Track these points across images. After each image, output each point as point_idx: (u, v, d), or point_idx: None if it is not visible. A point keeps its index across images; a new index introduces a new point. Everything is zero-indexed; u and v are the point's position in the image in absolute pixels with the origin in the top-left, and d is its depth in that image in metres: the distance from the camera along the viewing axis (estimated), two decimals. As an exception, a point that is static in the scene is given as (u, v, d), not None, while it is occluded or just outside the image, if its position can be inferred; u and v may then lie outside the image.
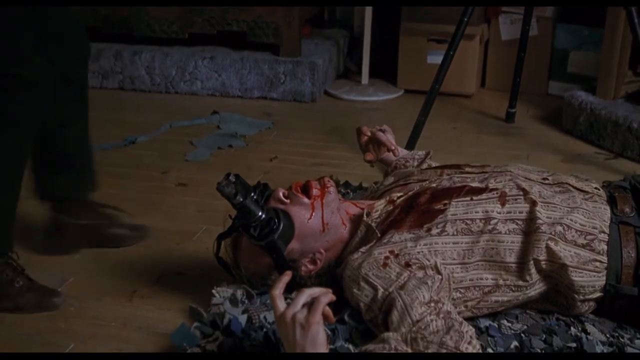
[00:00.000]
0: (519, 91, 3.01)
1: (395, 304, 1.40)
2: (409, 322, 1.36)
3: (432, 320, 1.36)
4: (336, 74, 3.59)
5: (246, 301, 1.62)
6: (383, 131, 1.95)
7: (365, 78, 3.47)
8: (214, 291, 1.65)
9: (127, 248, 2.02)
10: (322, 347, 1.25)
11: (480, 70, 3.45)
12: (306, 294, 1.32)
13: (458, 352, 1.27)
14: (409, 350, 1.27)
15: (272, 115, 3.16)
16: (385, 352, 1.26)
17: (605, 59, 2.87)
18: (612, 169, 2.59)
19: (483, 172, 1.67)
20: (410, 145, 2.48)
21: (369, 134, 1.93)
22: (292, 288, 1.62)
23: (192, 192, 2.40)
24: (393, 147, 1.90)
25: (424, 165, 2.00)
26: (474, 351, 1.29)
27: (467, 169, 1.72)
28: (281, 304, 1.32)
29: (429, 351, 1.26)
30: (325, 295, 1.30)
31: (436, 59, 2.98)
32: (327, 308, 1.34)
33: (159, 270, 1.90)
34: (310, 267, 1.63)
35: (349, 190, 2.21)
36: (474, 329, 1.37)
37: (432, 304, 1.40)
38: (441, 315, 1.37)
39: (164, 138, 2.91)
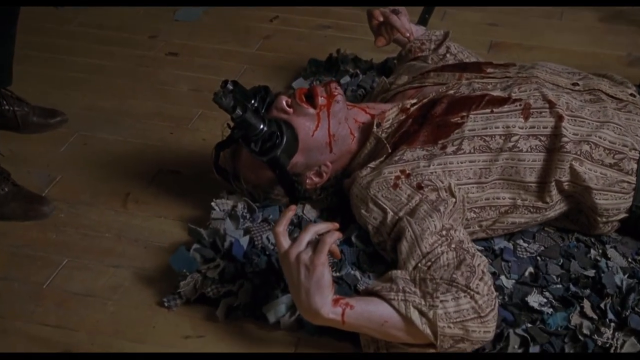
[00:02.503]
0: None
1: (405, 234, 1.47)
2: (419, 254, 1.44)
3: (442, 253, 1.43)
4: None
5: (247, 215, 1.69)
6: (397, 12, 1.93)
7: None
8: (213, 204, 1.72)
9: (117, 139, 2.07)
10: (327, 289, 1.33)
11: None
12: (311, 232, 1.38)
13: (468, 290, 1.35)
14: (417, 291, 1.36)
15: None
16: (392, 293, 1.35)
17: None
18: (658, 31, 2.57)
19: (506, 77, 1.67)
20: (427, 9, 2.44)
21: (381, 18, 1.91)
22: (297, 200, 1.70)
23: (185, 64, 2.40)
24: (408, 34, 1.88)
25: (442, 49, 2.00)
26: (485, 288, 1.37)
27: (489, 70, 1.72)
28: (285, 242, 1.38)
29: (438, 293, 1.35)
30: (331, 235, 1.36)
31: None
32: (334, 245, 1.42)
33: (152, 168, 1.96)
34: (316, 179, 1.68)
35: (357, 71, 2.22)
36: (486, 261, 1.44)
37: (444, 232, 1.46)
38: (452, 246, 1.44)
39: (148, -12, 2.86)
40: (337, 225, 1.42)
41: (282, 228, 1.40)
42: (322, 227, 1.41)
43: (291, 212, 1.43)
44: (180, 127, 2.12)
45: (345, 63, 2.27)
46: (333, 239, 1.36)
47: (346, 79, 2.18)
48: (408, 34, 1.87)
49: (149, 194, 1.87)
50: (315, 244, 1.36)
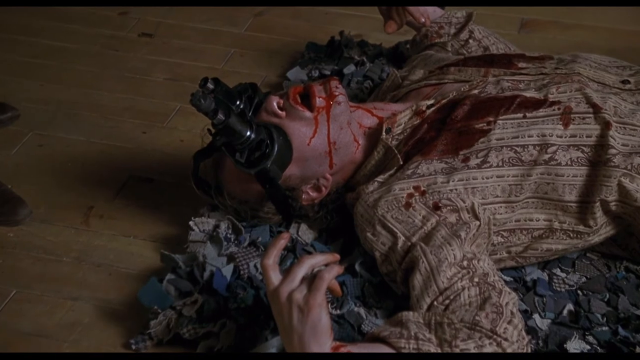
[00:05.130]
0: None
1: (419, 265, 1.42)
2: (435, 290, 1.38)
3: (463, 288, 1.38)
4: None
5: (232, 237, 1.64)
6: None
7: None
8: (191, 223, 1.67)
9: (79, 140, 2.02)
10: (325, 335, 1.27)
11: None
12: (306, 265, 1.32)
13: (495, 336, 1.30)
14: (433, 338, 1.30)
15: None
16: (403, 340, 1.29)
17: None
18: None
19: (542, 74, 1.62)
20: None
21: (391, -1, 1.85)
22: (291, 219, 1.65)
23: (161, 48, 2.37)
24: (423, 20, 1.83)
25: (464, 33, 1.97)
26: (515, 332, 1.31)
27: (521, 65, 1.66)
28: (275, 277, 1.32)
29: (458, 341, 1.29)
30: (329, 270, 1.30)
31: None
32: (333, 281, 1.36)
33: (121, 175, 1.92)
34: (313, 194, 1.63)
35: (364, 58, 2.16)
36: (516, 298, 1.39)
37: (465, 263, 1.41)
38: (475, 280, 1.39)
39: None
40: (337, 256, 1.37)
41: (272, 260, 1.34)
42: (319, 259, 1.35)
43: (283, 241, 1.37)
44: (154, 125, 2.08)
45: (350, 48, 2.23)
46: (332, 274, 1.30)
47: (350, 67, 2.13)
48: (423, 19, 1.82)
49: (115, 208, 1.83)
50: (311, 280, 1.30)
